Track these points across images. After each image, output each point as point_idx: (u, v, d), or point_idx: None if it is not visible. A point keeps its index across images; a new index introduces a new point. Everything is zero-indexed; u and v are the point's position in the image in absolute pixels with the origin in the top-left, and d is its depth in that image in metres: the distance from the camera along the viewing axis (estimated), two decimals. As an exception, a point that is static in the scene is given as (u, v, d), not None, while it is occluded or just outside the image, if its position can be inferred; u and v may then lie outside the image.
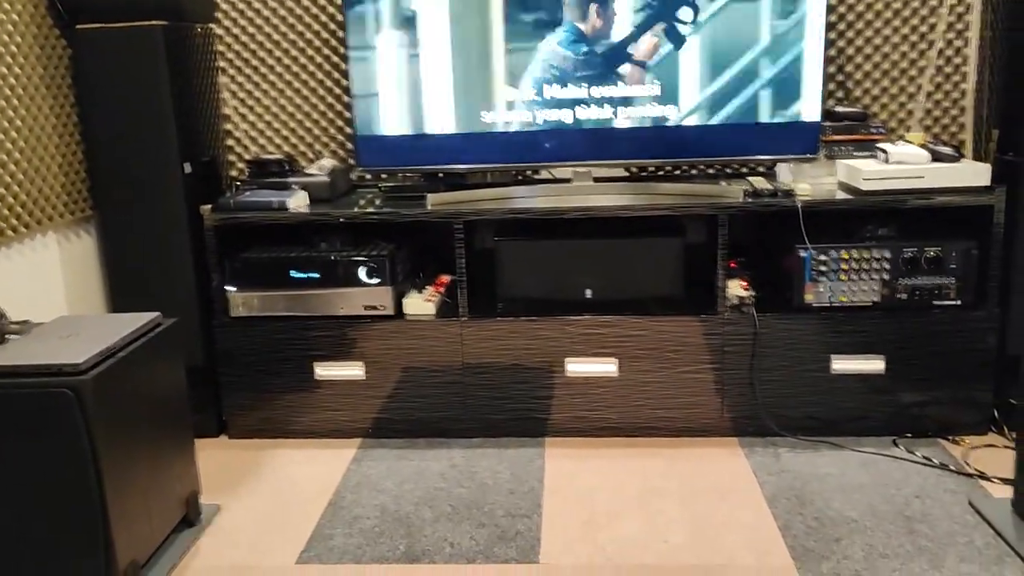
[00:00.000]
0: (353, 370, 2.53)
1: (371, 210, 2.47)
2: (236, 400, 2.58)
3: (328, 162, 2.73)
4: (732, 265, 2.50)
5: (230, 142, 2.95)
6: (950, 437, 2.44)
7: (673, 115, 2.47)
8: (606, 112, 2.49)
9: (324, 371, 2.54)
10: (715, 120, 2.46)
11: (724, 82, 2.43)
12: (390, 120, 2.55)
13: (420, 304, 2.54)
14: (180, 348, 2.08)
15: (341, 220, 2.48)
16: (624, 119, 2.49)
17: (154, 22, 2.39)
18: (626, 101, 2.47)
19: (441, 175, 2.69)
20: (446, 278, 2.74)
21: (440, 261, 2.75)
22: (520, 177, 2.83)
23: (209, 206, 2.52)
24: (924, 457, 2.33)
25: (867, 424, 2.45)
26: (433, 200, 2.51)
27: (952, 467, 2.27)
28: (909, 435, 2.45)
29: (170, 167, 2.46)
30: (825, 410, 2.44)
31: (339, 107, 2.90)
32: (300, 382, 2.55)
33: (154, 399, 1.95)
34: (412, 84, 2.51)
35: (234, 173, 2.96)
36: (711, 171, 2.80)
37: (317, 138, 2.94)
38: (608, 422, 2.51)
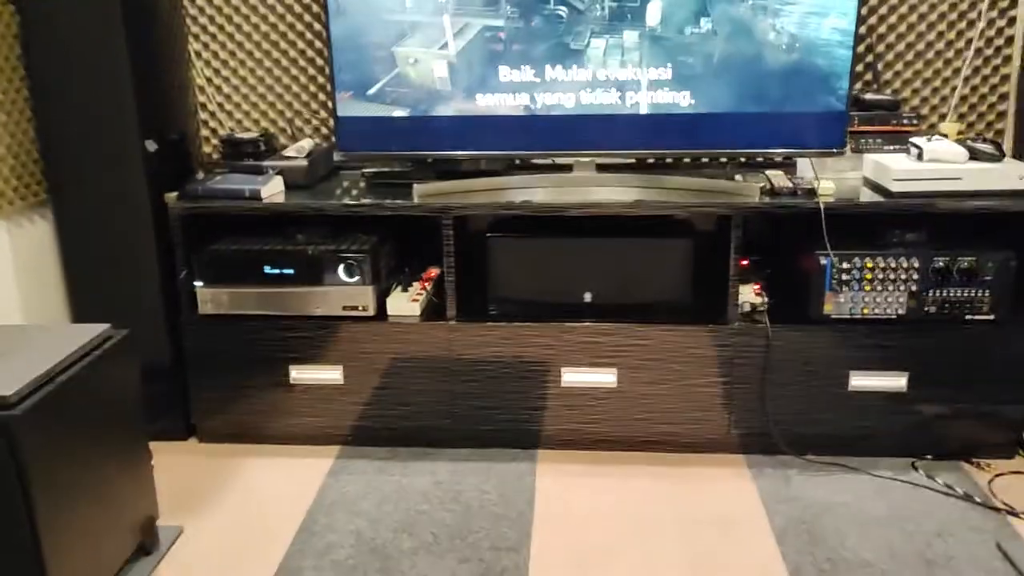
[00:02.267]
0: (331, 374, 2.34)
1: (350, 202, 2.25)
2: (205, 403, 2.40)
3: (308, 143, 2.50)
4: (744, 263, 2.28)
5: (204, 116, 2.72)
6: (974, 460, 2.25)
7: (684, 101, 2.23)
8: (612, 96, 2.25)
9: (300, 374, 2.35)
10: (729, 108, 2.22)
11: (741, 66, 2.18)
12: (374, 100, 2.31)
13: (405, 304, 2.33)
14: (134, 362, 1.88)
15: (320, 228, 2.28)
16: (631, 104, 2.25)
17: (111, -11, 2.15)
18: (633, 85, 2.23)
19: (430, 160, 2.46)
20: (435, 271, 2.53)
21: (429, 252, 2.53)
22: (518, 162, 2.60)
23: (174, 194, 2.30)
24: (946, 485, 2.15)
25: (885, 444, 2.27)
26: (420, 191, 2.29)
27: (977, 498, 2.09)
28: (929, 456, 2.27)
29: (129, 146, 2.23)
30: (840, 428, 2.26)
31: (322, 79, 2.66)
32: (274, 385, 2.36)
33: (102, 423, 1.76)
34: (398, 60, 2.27)
35: (208, 150, 2.74)
36: (723, 160, 2.56)
37: (299, 113, 2.71)
38: (605, 435, 2.33)
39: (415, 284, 2.44)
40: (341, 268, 2.27)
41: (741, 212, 2.16)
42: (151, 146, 2.28)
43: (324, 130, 2.71)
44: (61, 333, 1.77)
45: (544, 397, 2.31)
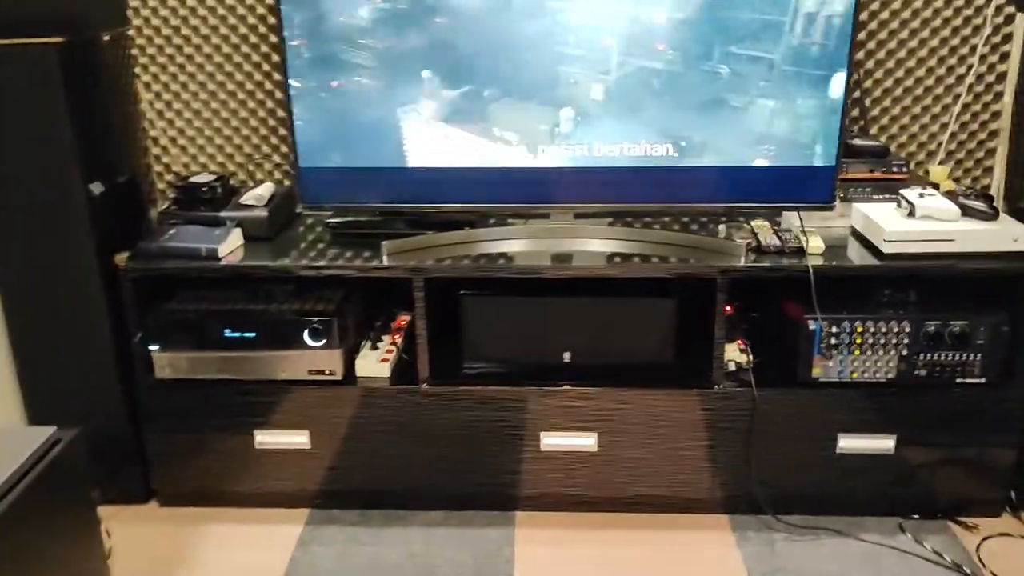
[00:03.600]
0: (298, 438, 2.22)
1: (314, 263, 2.12)
2: (165, 467, 2.28)
3: (267, 188, 2.35)
4: (728, 310, 2.18)
5: (156, 152, 2.55)
6: (961, 520, 2.21)
7: (664, 153, 2.11)
8: (586, 148, 2.13)
9: (265, 438, 2.23)
10: (708, 161, 2.11)
11: (725, 117, 2.07)
12: (338, 149, 2.17)
13: (375, 365, 2.21)
14: (84, 470, 1.75)
15: (283, 288, 2.14)
16: (609, 156, 2.13)
17: (48, 40, 1.97)
18: (612, 136, 2.11)
19: (402, 213, 2.32)
20: (405, 319, 2.42)
21: (399, 299, 2.41)
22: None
23: (125, 254, 2.15)
24: (935, 551, 2.10)
25: (871, 504, 2.21)
26: (390, 248, 2.16)
27: (967, 568, 2.04)
28: (916, 516, 2.22)
29: (72, 194, 2.07)
30: (826, 490, 2.20)
31: (281, 112, 2.50)
32: (238, 450, 2.24)
33: (52, 536, 1.63)
34: (365, 106, 2.12)
35: (163, 187, 2.57)
36: (703, 219, 2.44)
37: (257, 148, 2.55)
38: (586, 498, 2.25)
39: (385, 338, 2.32)
40: (306, 333, 2.14)
41: (727, 275, 2.06)
42: (97, 188, 2.12)
43: (285, 166, 2.56)
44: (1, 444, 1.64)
45: (522, 460, 2.21)
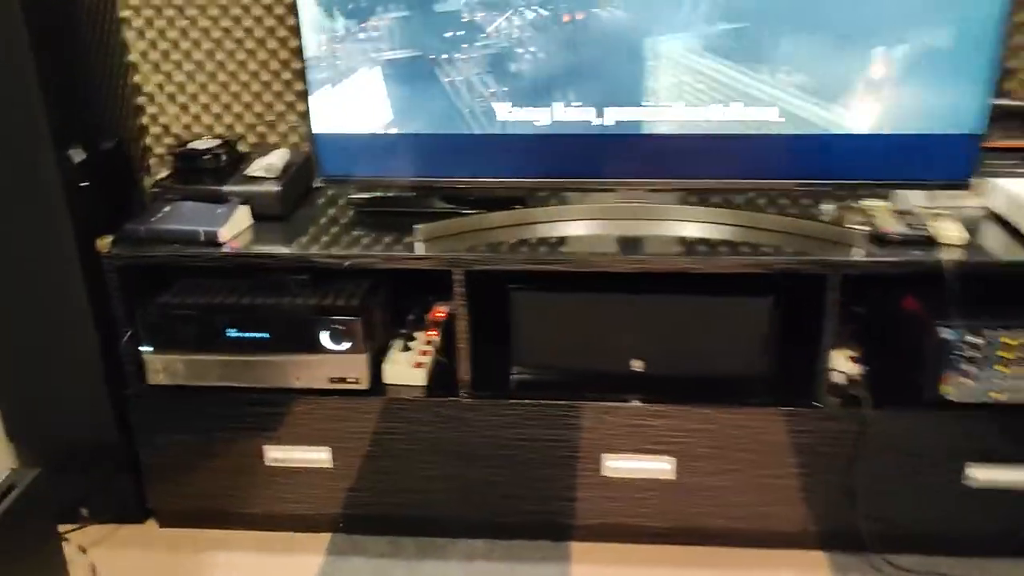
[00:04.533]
0: (317, 454, 1.89)
1: (337, 252, 1.75)
2: (162, 485, 1.96)
3: (279, 156, 1.98)
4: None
5: (154, 111, 2.18)
6: (1113, 566, 1.83)
7: (763, 118, 1.70)
8: (666, 110, 1.72)
9: (278, 454, 1.89)
10: (817, 127, 1.70)
11: (839, 71, 1.65)
12: (363, 113, 1.79)
13: (407, 371, 1.86)
14: (49, 511, 1.42)
15: (298, 278, 1.79)
16: (695, 121, 1.73)
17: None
18: (694, 95, 1.71)
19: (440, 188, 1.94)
20: (442, 311, 2.05)
21: (435, 287, 2.03)
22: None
23: (109, 238, 1.79)
24: (1085, 608, 1.73)
25: (1001, 545, 1.83)
26: (425, 232, 1.78)
27: None
28: (1056, 558, 1.84)
29: (43, 164, 1.71)
30: (947, 527, 1.82)
31: (297, 64, 2.11)
32: (246, 467, 1.91)
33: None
34: (395, 57, 1.73)
35: (162, 151, 2.21)
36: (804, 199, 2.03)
37: (269, 106, 2.17)
38: (656, 530, 1.89)
39: (418, 336, 1.96)
40: (326, 334, 1.79)
41: (842, 271, 1.66)
42: (77, 155, 1.77)
43: (302, 127, 2.18)
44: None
45: (580, 486, 1.86)
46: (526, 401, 1.81)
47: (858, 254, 1.67)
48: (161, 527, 2.03)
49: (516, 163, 1.81)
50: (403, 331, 1.97)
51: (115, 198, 1.93)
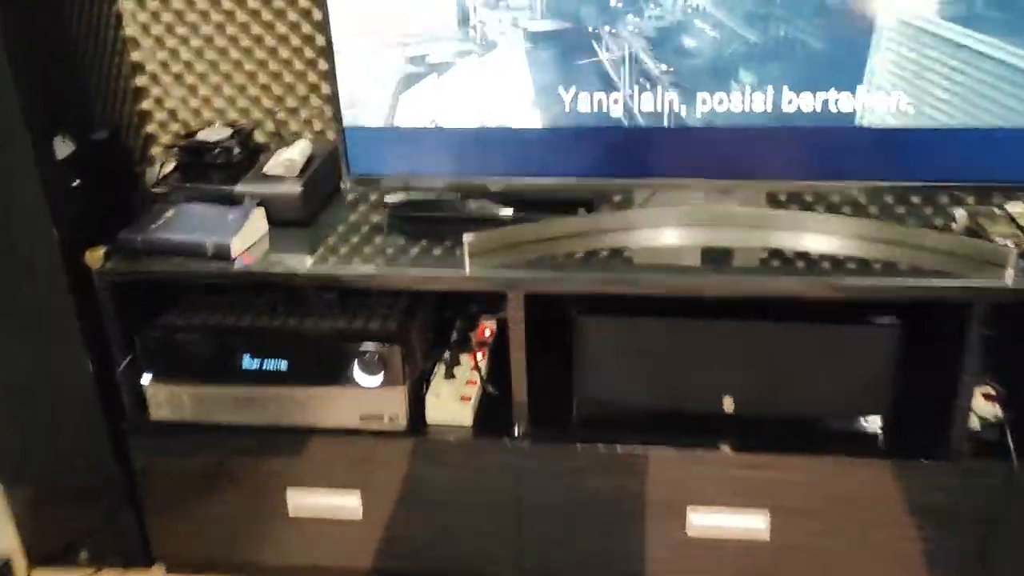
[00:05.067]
0: (345, 501, 1.61)
1: (369, 271, 1.46)
2: (168, 531, 1.70)
3: (300, 151, 1.68)
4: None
5: (158, 94, 1.88)
6: None
7: (869, 106, 1.39)
8: (766, 97, 1.41)
9: (302, 501, 1.62)
10: (956, 119, 1.38)
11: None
12: (399, 98, 1.49)
13: (451, 406, 1.57)
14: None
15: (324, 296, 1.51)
16: (802, 110, 1.41)
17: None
18: (800, 80, 1.39)
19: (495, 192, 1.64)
20: (488, 326, 1.76)
21: (481, 298, 1.75)
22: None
23: (101, 250, 1.51)
24: None
25: None
26: (474, 245, 1.48)
27: None
28: None
29: (22, 159, 1.43)
30: (1100, 600, 1.52)
31: (321, 40, 1.81)
32: (264, 514, 1.64)
33: None
34: (433, 35, 1.43)
35: (167, 140, 1.92)
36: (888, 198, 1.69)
37: (290, 88, 1.87)
38: (747, 596, 1.60)
39: (464, 360, 1.67)
40: (356, 365, 1.50)
41: (989, 297, 1.35)
42: (64, 147, 1.50)
43: (326, 112, 1.87)
44: None
45: (660, 545, 1.57)
46: (595, 443, 1.52)
47: (1010, 277, 1.35)
48: (168, 572, 1.77)
49: (585, 159, 1.50)
50: (446, 353, 1.67)
51: (109, 199, 1.65)
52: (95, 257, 1.50)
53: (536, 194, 1.61)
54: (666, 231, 1.51)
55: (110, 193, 1.66)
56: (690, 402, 1.53)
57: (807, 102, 1.40)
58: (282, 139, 1.79)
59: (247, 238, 1.54)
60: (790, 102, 1.40)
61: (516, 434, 1.54)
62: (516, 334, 1.47)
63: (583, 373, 1.55)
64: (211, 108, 1.88)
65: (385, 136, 1.52)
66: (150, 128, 1.88)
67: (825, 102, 1.40)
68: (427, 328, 1.65)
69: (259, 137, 1.84)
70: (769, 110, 1.41)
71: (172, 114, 1.89)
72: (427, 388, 1.60)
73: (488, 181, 1.56)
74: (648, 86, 1.41)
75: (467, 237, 1.48)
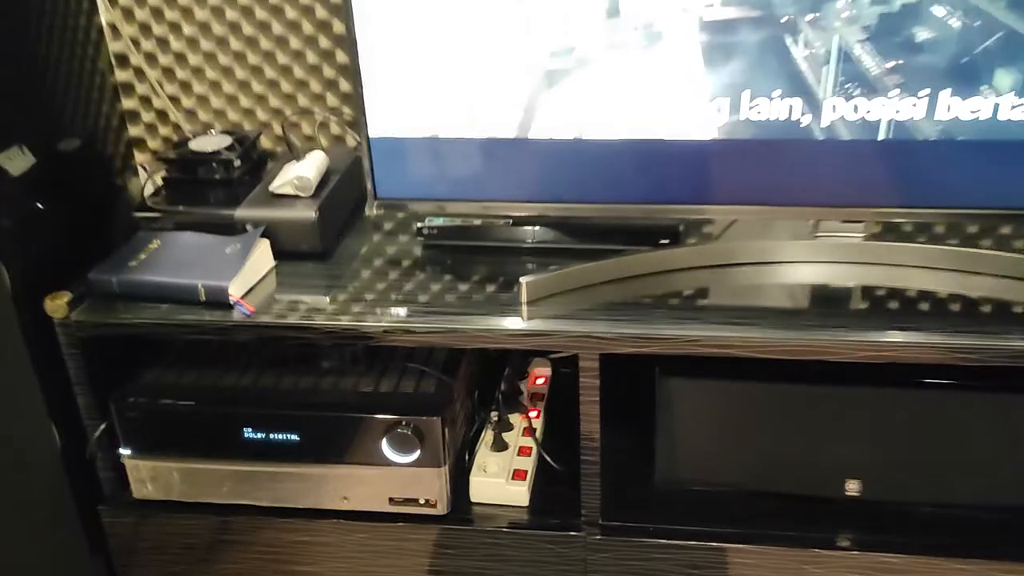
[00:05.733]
0: (372, 595, 1.31)
1: (398, 324, 1.15)
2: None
3: (314, 166, 1.37)
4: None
5: (144, 92, 1.58)
6: None
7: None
8: (913, 104, 1.09)
9: (317, 594, 1.33)
10: None
11: None
12: (433, 108, 1.17)
13: (501, 487, 1.27)
14: None
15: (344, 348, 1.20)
16: (958, 120, 1.09)
17: None
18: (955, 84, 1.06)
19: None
20: (541, 375, 1.46)
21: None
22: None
23: (66, 296, 1.21)
24: None
25: None
26: (533, 290, 1.17)
27: None
28: None
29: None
30: None
31: (339, 26, 1.50)
32: (273, 610, 1.35)
33: None
34: (480, 30, 1.11)
35: (156, 147, 1.62)
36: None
37: (302, 85, 1.56)
38: None
39: (515, 421, 1.36)
40: (385, 441, 1.20)
41: None
42: (16, 161, 1.21)
43: (335, 121, 1.57)
44: None
45: (758, 659, 1.27)
46: (680, 537, 1.21)
47: None
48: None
49: (669, 180, 1.19)
50: (493, 415, 1.37)
51: (79, 227, 1.34)
52: (57, 305, 1.20)
53: (607, 223, 1.30)
54: (753, 267, 1.19)
55: (80, 218, 1.36)
56: (804, 485, 1.22)
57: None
58: (291, 148, 1.48)
59: (249, 278, 1.24)
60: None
61: (583, 522, 1.23)
62: (588, 403, 1.16)
63: (667, 446, 1.25)
64: (209, 109, 1.58)
65: (416, 149, 1.20)
66: (133, 132, 1.57)
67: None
68: (472, 385, 1.35)
69: (265, 145, 1.54)
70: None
71: (161, 116, 1.58)
72: (471, 459, 1.30)
73: (546, 206, 1.24)
74: (861, 90, 1.08)
75: (525, 279, 1.17)
